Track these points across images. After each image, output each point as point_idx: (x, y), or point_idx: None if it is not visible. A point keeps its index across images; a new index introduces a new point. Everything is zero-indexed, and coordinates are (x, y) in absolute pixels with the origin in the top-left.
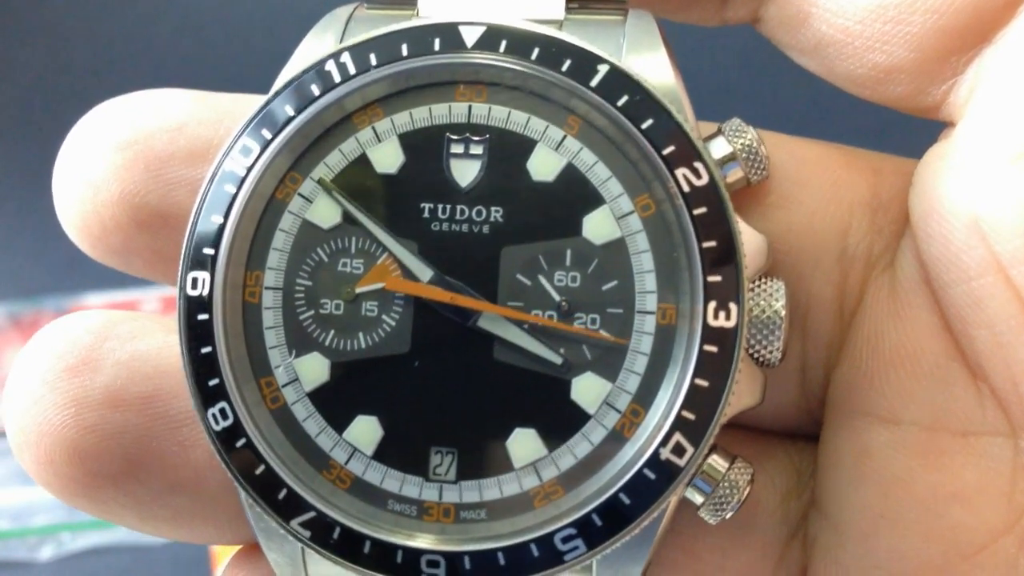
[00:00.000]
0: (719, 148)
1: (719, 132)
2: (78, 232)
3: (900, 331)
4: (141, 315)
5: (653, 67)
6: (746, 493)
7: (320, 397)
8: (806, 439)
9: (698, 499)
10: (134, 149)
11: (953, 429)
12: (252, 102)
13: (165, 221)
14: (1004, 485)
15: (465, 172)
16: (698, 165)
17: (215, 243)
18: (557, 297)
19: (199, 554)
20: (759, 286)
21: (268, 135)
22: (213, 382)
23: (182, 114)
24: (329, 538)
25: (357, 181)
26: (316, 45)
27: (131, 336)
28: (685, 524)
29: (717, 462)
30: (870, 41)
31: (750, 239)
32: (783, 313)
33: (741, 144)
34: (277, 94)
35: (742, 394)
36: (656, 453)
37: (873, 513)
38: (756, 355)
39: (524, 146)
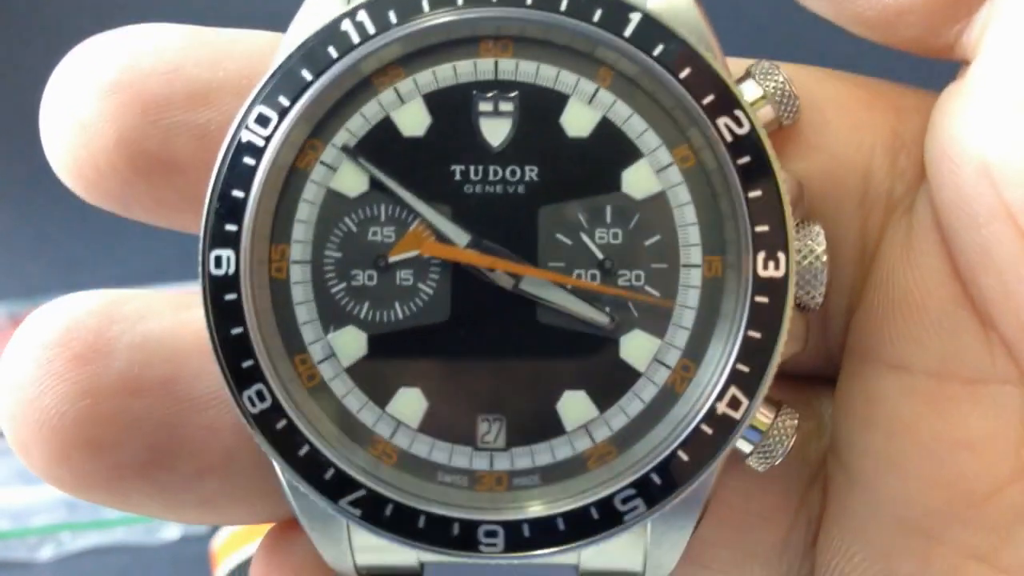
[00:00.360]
0: (750, 91)
1: (748, 74)
2: (70, 175)
3: (911, 277)
4: (143, 293)
5: (678, 1)
6: (793, 440)
7: (359, 372)
8: (826, 382)
9: (747, 448)
10: (129, 91)
11: (962, 377)
12: (251, 39)
13: (165, 167)
14: (1012, 434)
15: (496, 131)
16: (738, 113)
17: (238, 218)
18: (600, 255)
19: (199, 554)
20: (799, 231)
21: (286, 102)
22: (247, 364)
23: (177, 54)
24: (381, 515)
25: (382, 146)
26: (324, 1)
27: (139, 316)
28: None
29: (764, 411)
30: None
31: (788, 185)
32: (824, 258)
33: (773, 86)
34: (291, 57)
35: (789, 341)
36: (712, 408)
37: (879, 458)
38: (800, 301)
39: (556, 101)
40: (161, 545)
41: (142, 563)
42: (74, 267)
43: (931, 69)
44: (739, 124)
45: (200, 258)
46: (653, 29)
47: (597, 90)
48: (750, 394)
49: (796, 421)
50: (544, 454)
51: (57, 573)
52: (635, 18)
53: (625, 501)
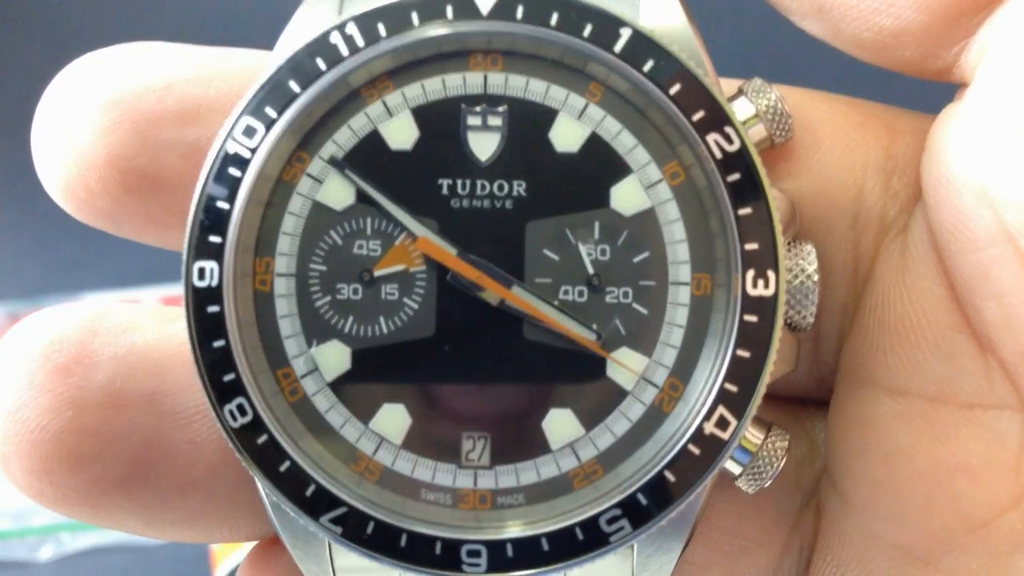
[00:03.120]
0: (742, 109)
1: (740, 92)
2: (62, 194)
3: (907, 300)
4: (128, 305)
5: (671, 18)
6: (783, 462)
7: (342, 387)
8: (819, 405)
9: (736, 469)
10: (120, 109)
11: (959, 401)
12: (242, 58)
13: (155, 185)
14: (1011, 459)
15: (484, 145)
16: (729, 130)
17: (222, 230)
18: (591, 270)
19: (199, 554)
20: (791, 250)
21: (273, 114)
22: (228, 377)
23: (169, 72)
24: (363, 533)
25: (370, 159)
26: (314, 13)
27: (123, 329)
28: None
29: (753, 432)
30: (876, 3)
31: (780, 203)
32: (816, 277)
33: (765, 104)
34: (279, 69)
35: (779, 362)
36: (700, 428)
37: (875, 483)
38: (790, 321)
39: (545, 116)
40: (161, 545)
41: (142, 563)
42: (74, 267)
43: (924, 92)
44: (729, 141)
45: (183, 270)
46: (643, 45)
47: (587, 105)
48: (738, 414)
49: (786, 443)
50: (529, 473)
51: (57, 573)
52: (625, 34)
53: (611, 522)
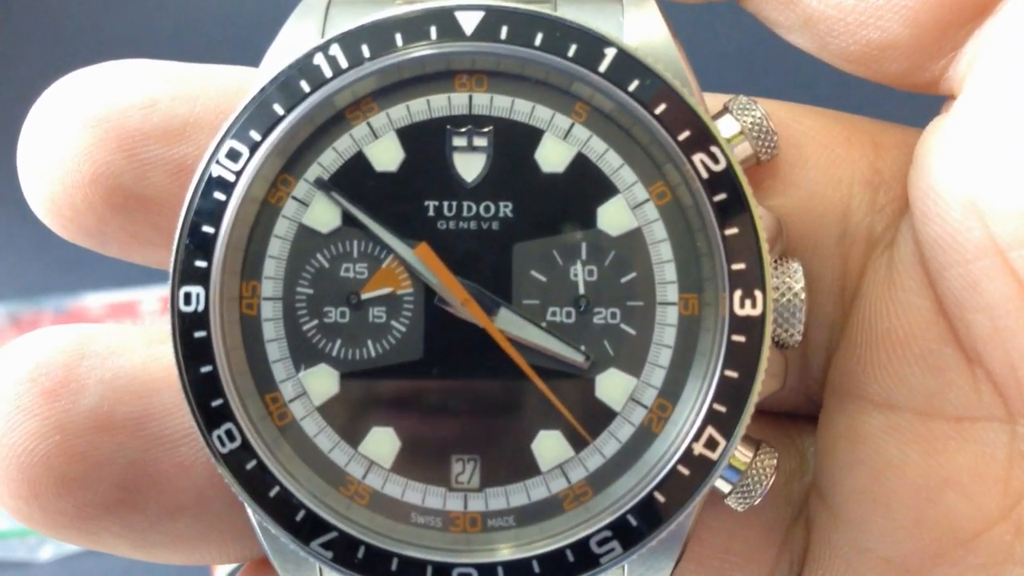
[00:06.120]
0: (727, 127)
1: (726, 110)
2: (48, 213)
3: (894, 314)
4: (115, 328)
5: (655, 35)
6: (772, 479)
7: (331, 411)
8: (807, 420)
9: (726, 488)
10: (105, 127)
11: (947, 414)
12: (228, 75)
13: (140, 203)
14: (999, 471)
15: (470, 166)
16: (714, 149)
17: (207, 254)
18: (578, 291)
19: None
20: (777, 268)
21: (257, 136)
22: (216, 403)
23: (155, 89)
24: (353, 557)
25: (355, 181)
26: (298, 33)
27: (110, 352)
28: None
29: (742, 451)
30: (863, 17)
31: (766, 221)
32: (803, 295)
33: (750, 122)
34: (263, 91)
35: (767, 380)
36: (689, 448)
37: (865, 496)
38: (778, 338)
39: (530, 136)
40: None
41: (142, 563)
42: (74, 267)
43: (911, 104)
44: (715, 161)
45: (169, 295)
46: (628, 64)
47: (572, 125)
48: (727, 435)
49: (775, 460)
50: (519, 495)
51: (57, 573)
52: (610, 53)
53: (601, 543)
